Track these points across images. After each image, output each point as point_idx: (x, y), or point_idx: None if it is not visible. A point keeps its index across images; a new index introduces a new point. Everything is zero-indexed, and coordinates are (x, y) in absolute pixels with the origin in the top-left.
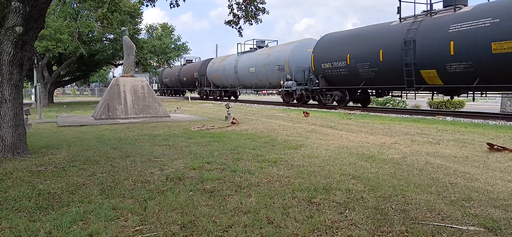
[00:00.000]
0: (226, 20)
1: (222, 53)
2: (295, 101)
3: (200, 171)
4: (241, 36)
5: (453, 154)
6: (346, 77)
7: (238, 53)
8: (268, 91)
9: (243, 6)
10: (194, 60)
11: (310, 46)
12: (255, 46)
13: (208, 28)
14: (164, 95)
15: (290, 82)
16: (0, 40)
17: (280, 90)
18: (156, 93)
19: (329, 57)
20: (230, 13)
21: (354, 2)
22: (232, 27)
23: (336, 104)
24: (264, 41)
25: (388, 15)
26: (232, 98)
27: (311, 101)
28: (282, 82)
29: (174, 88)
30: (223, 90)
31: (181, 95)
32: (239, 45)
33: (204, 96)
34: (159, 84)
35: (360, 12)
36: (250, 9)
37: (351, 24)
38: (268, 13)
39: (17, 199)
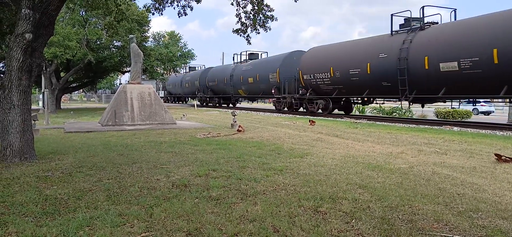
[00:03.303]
0: (234, 29)
1: (229, 61)
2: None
3: (206, 179)
4: (250, 43)
5: (461, 164)
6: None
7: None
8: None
9: (250, 15)
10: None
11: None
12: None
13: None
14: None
15: None
16: (9, 47)
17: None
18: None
19: None
20: (238, 21)
21: (359, 10)
22: (240, 36)
23: None
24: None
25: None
26: None
27: None
28: None
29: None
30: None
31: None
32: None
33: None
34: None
35: (365, 20)
36: (259, 18)
37: (357, 33)
38: (276, 20)
39: (24, 204)
